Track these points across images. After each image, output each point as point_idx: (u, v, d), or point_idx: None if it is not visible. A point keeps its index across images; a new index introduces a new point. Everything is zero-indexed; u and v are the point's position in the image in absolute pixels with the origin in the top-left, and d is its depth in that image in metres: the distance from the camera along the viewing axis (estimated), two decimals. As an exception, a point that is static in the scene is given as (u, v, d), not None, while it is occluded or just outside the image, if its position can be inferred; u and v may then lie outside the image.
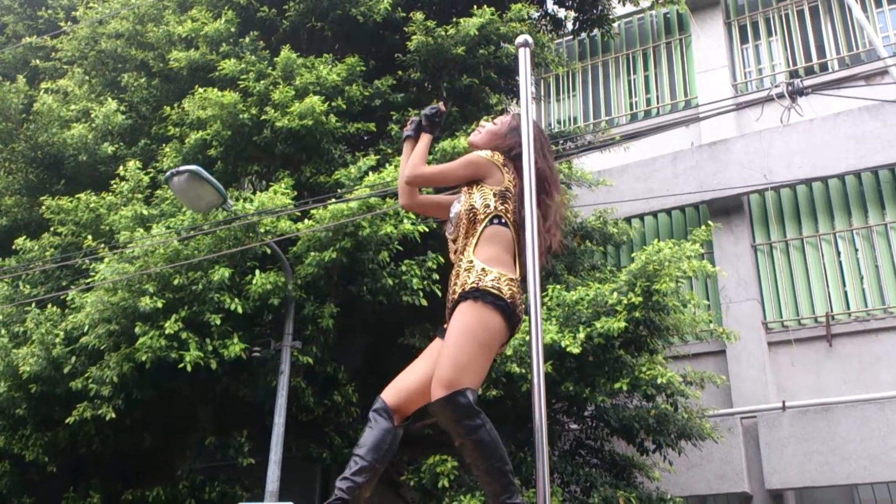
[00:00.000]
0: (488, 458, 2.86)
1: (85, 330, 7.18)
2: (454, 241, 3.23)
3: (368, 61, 8.95)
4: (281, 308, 7.50)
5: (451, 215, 3.25)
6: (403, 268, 7.58)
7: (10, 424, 7.99)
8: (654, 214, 11.21)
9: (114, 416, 7.07)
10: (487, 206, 3.13)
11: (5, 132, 9.37)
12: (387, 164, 7.67)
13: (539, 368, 2.93)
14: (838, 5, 11.48)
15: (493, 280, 2.99)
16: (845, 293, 9.86)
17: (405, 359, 3.32)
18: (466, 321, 2.94)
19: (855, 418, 8.77)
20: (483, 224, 3.11)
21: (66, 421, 7.27)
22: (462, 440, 2.87)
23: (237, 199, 7.72)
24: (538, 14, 10.40)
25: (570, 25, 10.77)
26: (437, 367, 2.89)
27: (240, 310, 7.14)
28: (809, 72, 11.29)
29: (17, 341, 7.86)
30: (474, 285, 2.98)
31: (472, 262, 3.06)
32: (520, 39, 3.42)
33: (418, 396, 3.07)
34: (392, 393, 3.06)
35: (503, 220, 3.12)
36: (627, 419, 7.56)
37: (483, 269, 3.02)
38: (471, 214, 3.14)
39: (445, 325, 3.11)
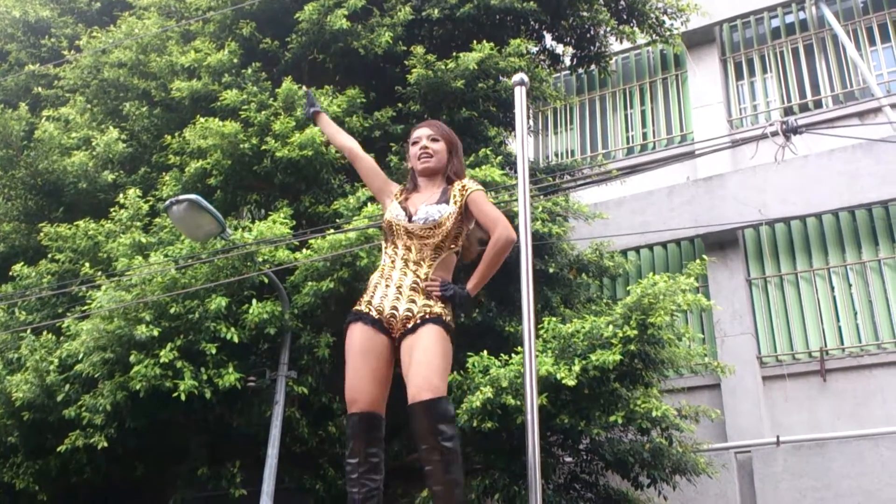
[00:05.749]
0: (452, 471, 3.04)
1: (79, 357, 7.15)
2: (414, 234, 3.40)
3: (369, 93, 9.05)
4: (277, 337, 7.50)
5: (430, 216, 3.40)
6: (400, 299, 7.59)
7: (1, 452, 7.93)
8: (650, 248, 11.27)
9: (106, 444, 7.04)
10: (457, 240, 3.46)
11: (6, 159, 9.38)
12: (385, 196, 7.70)
13: (533, 401, 2.96)
14: (832, 43, 11.67)
15: (450, 316, 3.33)
16: (839, 328, 9.89)
17: (400, 389, 3.35)
18: (442, 344, 3.22)
19: (849, 454, 8.74)
20: (448, 252, 3.43)
21: (58, 449, 7.23)
22: (434, 445, 3.04)
23: (236, 228, 7.76)
24: (536, 49, 10.52)
25: (567, 61, 10.89)
26: (423, 373, 3.12)
27: (235, 339, 7.14)
28: (804, 109, 11.43)
29: (11, 368, 7.82)
30: (439, 316, 3.28)
31: (429, 284, 3.36)
32: (516, 78, 3.51)
33: (386, 396, 3.36)
34: (377, 404, 3.30)
35: (456, 251, 3.49)
36: (622, 453, 7.53)
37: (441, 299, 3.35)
38: (447, 236, 3.40)
39: (372, 313, 3.34)
